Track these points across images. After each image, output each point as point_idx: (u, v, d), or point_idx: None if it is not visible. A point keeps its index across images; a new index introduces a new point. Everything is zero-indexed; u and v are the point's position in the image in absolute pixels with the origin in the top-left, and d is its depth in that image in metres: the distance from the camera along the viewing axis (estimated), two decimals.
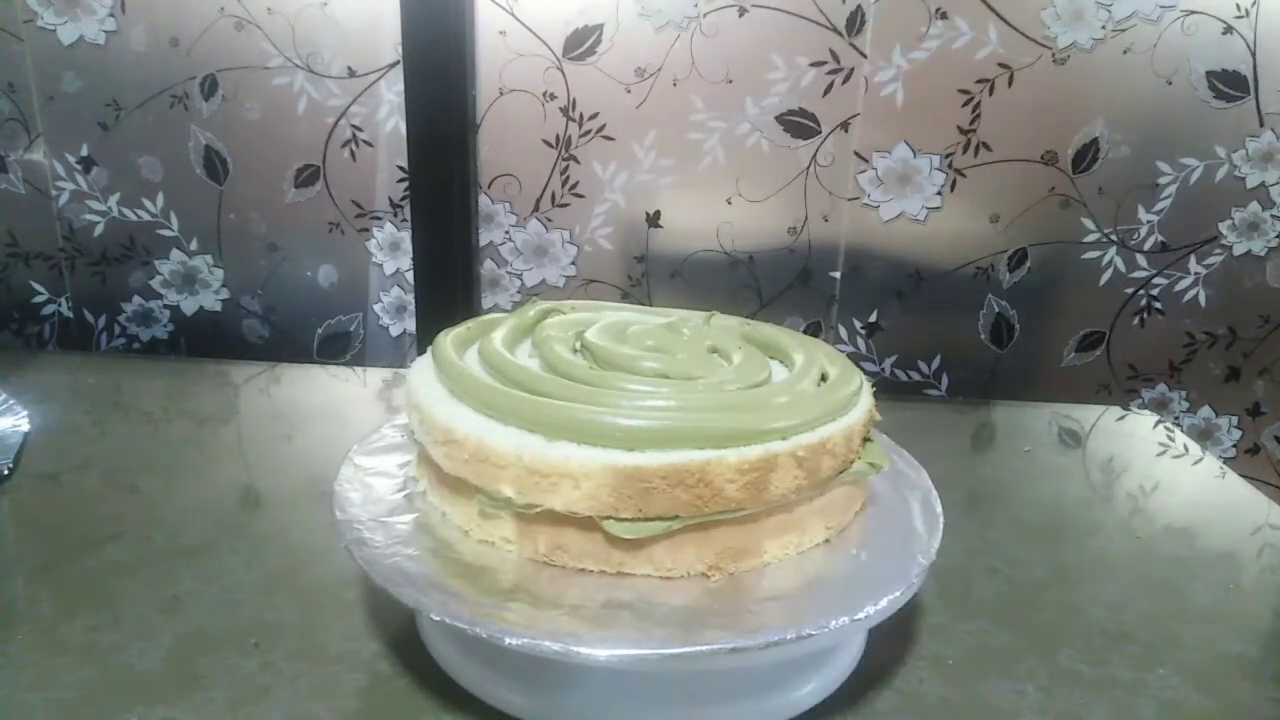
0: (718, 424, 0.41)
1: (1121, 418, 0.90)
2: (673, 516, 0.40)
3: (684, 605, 0.40)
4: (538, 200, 0.91)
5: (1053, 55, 0.84)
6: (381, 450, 0.53)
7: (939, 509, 0.48)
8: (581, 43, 0.85)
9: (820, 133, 0.87)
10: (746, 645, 0.37)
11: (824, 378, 0.49)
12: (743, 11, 0.84)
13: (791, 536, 0.44)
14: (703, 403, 0.42)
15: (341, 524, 0.45)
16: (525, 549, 0.43)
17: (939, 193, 0.89)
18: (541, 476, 0.40)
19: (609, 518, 0.40)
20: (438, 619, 0.38)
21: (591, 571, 0.42)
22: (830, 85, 0.86)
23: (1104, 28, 0.84)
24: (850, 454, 0.45)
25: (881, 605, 0.40)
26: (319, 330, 0.97)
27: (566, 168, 0.89)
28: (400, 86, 0.87)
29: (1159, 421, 0.88)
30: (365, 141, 0.90)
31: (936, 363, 0.95)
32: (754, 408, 0.43)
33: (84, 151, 0.91)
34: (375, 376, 0.92)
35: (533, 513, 0.41)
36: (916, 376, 0.96)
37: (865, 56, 0.85)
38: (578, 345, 0.50)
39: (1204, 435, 0.98)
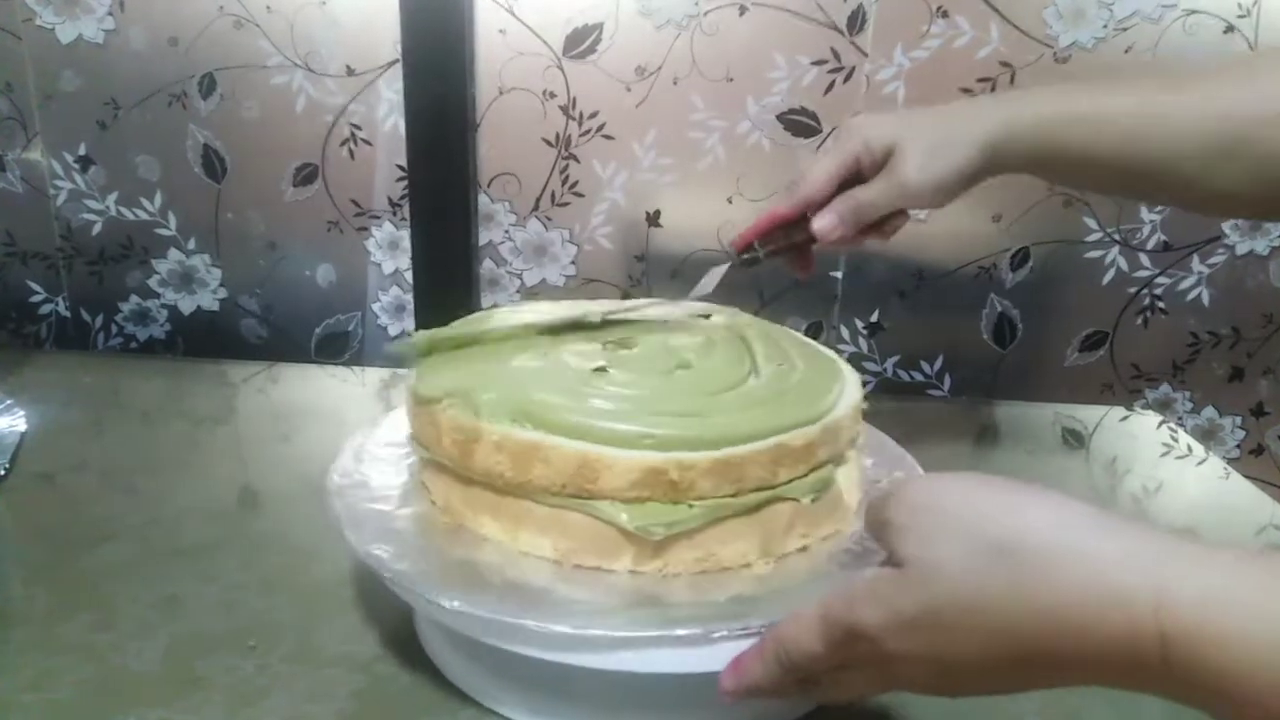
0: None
1: (1125, 418, 0.90)
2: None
3: (525, 580, 0.42)
4: (537, 199, 0.90)
5: (1054, 54, 0.84)
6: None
7: None
8: (581, 41, 0.85)
9: (821, 132, 0.87)
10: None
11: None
12: (743, 10, 0.84)
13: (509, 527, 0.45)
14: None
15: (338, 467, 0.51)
16: (435, 490, 0.48)
17: None
18: (426, 422, 0.47)
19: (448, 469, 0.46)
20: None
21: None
22: (831, 84, 0.86)
23: (1105, 27, 0.83)
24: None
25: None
26: (317, 330, 0.96)
27: (566, 167, 0.89)
28: (399, 85, 0.86)
29: (1162, 422, 0.88)
30: (364, 140, 0.89)
31: (939, 363, 0.95)
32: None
33: (82, 150, 0.91)
34: (374, 376, 0.91)
35: (425, 456, 0.48)
36: (919, 376, 0.96)
37: (866, 55, 0.85)
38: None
39: (1207, 436, 0.98)
